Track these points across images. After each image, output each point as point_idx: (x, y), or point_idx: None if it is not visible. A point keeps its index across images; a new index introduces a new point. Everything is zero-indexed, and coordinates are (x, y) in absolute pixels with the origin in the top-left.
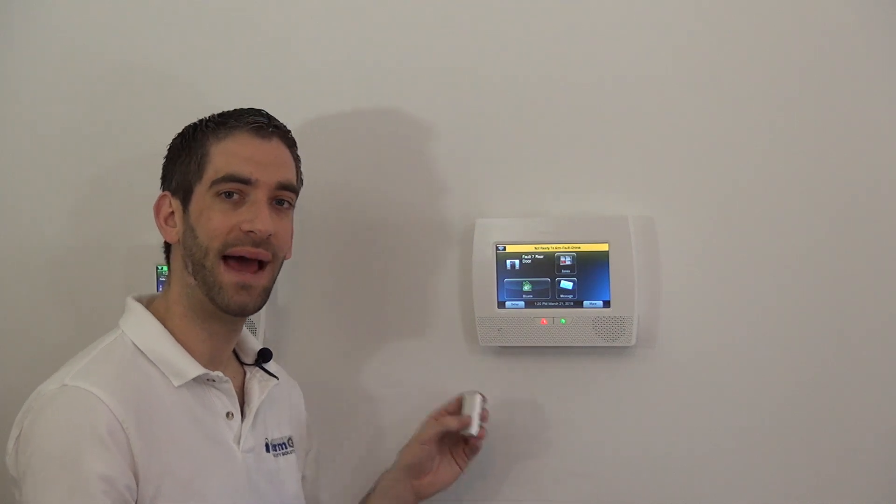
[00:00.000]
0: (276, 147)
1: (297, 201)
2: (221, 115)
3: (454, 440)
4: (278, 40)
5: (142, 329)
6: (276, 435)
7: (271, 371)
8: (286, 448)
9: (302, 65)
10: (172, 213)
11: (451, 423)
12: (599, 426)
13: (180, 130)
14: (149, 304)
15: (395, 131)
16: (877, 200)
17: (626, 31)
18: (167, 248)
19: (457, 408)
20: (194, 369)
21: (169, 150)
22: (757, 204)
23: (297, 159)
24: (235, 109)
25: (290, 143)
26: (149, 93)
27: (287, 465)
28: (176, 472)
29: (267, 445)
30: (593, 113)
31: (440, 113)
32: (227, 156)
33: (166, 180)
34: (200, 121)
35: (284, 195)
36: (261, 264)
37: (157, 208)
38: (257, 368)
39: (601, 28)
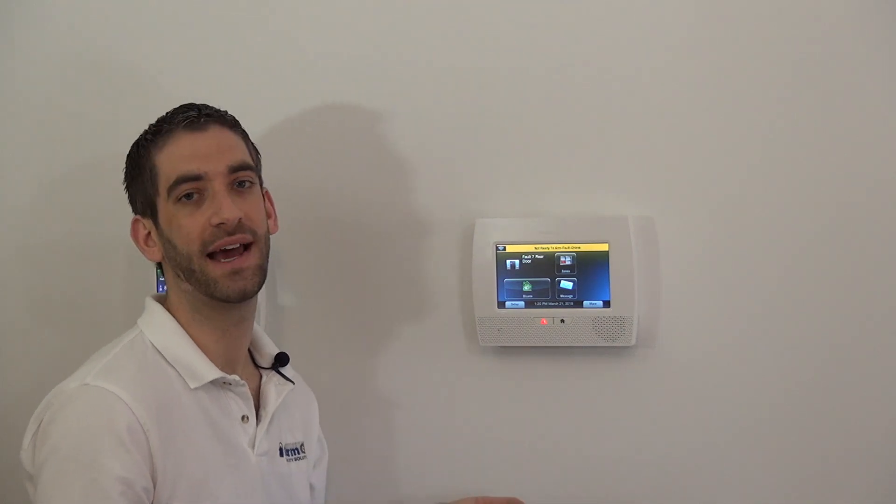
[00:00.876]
0: (214, 134)
1: (297, 201)
2: (157, 122)
3: None
4: (278, 39)
5: (160, 330)
6: (290, 440)
7: (287, 375)
8: (298, 453)
9: (301, 64)
10: (149, 233)
11: None
12: (599, 426)
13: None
14: (164, 303)
15: (395, 131)
16: (877, 200)
17: (627, 31)
18: (159, 264)
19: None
20: (211, 372)
21: (125, 173)
22: (757, 204)
23: (243, 136)
24: (168, 112)
25: (231, 124)
26: (150, 91)
27: (298, 470)
28: (190, 474)
29: (281, 450)
30: (593, 113)
31: (440, 113)
32: (171, 161)
33: (132, 203)
34: (141, 136)
35: (241, 176)
36: (246, 247)
37: (135, 234)
38: (273, 372)
39: (602, 28)
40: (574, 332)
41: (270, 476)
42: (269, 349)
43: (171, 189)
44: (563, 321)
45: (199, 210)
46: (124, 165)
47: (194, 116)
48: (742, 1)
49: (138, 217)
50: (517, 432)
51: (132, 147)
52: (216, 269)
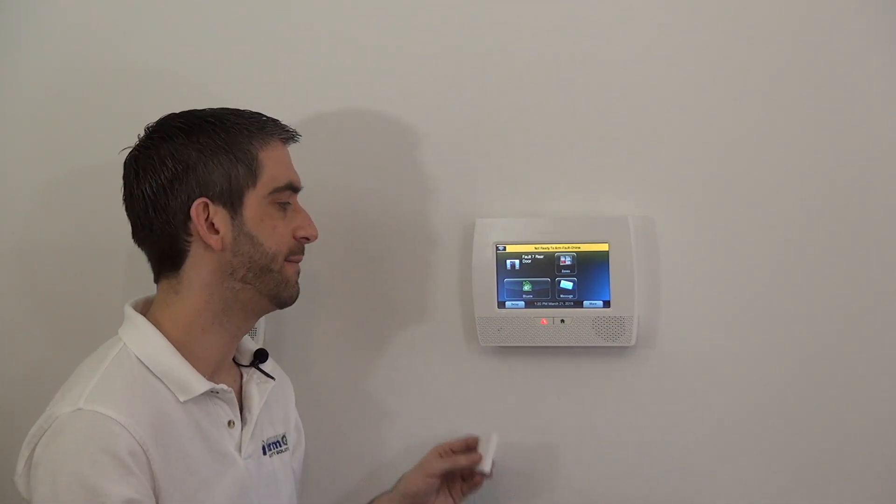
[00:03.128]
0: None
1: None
2: (250, 117)
3: (453, 476)
4: (278, 42)
5: (146, 343)
6: (271, 434)
7: (267, 371)
8: (280, 446)
9: (301, 66)
10: (208, 219)
11: (462, 461)
12: (599, 426)
13: (191, 127)
14: (145, 311)
15: (395, 131)
16: (878, 200)
17: (627, 31)
18: (175, 257)
19: (463, 446)
20: (200, 385)
21: (196, 147)
22: (757, 204)
23: None
24: (252, 114)
25: None
26: (149, 89)
27: (281, 463)
28: (183, 487)
29: (263, 448)
30: (594, 113)
31: (440, 113)
32: (278, 164)
33: (200, 184)
34: (231, 121)
35: None
36: None
37: (198, 216)
38: (254, 370)
39: (601, 27)
40: (574, 332)
41: (258, 478)
42: (249, 345)
43: (277, 190)
44: (563, 321)
45: (287, 218)
46: (194, 140)
47: (292, 133)
48: (742, 2)
49: (207, 201)
50: (517, 432)
51: (215, 124)
52: (291, 270)
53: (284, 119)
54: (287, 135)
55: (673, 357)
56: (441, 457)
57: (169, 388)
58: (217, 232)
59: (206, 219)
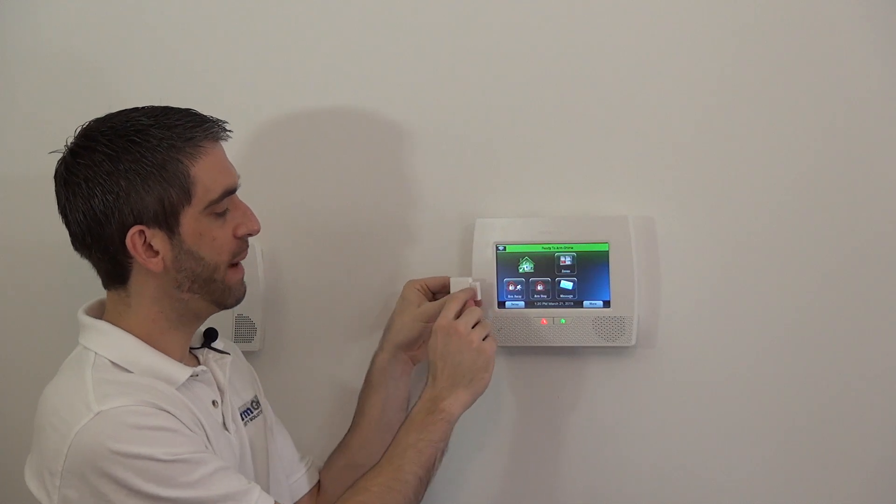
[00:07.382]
0: (223, 145)
1: (296, 201)
2: (175, 126)
3: None
4: (276, 37)
5: (118, 345)
6: (239, 403)
7: (220, 348)
8: (252, 412)
9: (301, 63)
10: (145, 243)
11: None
12: (599, 426)
13: (116, 151)
14: (99, 316)
15: (395, 131)
16: (878, 200)
17: (627, 30)
18: (119, 275)
19: (438, 284)
20: (182, 373)
21: (127, 177)
22: (757, 204)
23: None
24: (177, 118)
25: None
26: (140, 87)
27: (256, 429)
28: None
29: (242, 418)
30: (594, 112)
31: (440, 113)
32: (211, 173)
33: (135, 213)
34: (158, 141)
35: None
36: None
37: (134, 245)
38: (207, 350)
39: (601, 27)
40: (574, 332)
41: (241, 448)
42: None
43: (213, 202)
44: (563, 321)
45: (225, 221)
46: (121, 167)
47: (218, 128)
48: (742, 2)
49: (143, 228)
50: (517, 432)
51: (141, 144)
52: (235, 276)
53: (285, 119)
54: (216, 132)
55: (673, 357)
56: (423, 295)
57: (159, 382)
58: (157, 253)
59: (144, 242)
